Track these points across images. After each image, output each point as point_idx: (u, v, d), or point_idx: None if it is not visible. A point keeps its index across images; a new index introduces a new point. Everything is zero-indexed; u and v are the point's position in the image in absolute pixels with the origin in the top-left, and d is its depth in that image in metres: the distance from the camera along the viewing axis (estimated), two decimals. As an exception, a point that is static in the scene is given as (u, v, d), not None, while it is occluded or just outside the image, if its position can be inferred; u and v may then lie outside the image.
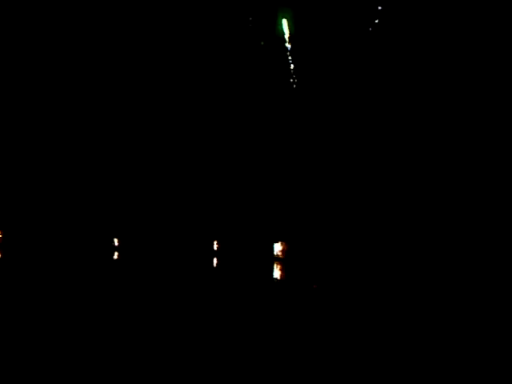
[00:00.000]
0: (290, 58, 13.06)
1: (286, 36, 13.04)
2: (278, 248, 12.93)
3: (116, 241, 14.32)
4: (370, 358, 4.12)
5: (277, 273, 9.97)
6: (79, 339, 4.41)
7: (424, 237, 11.98)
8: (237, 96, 13.73)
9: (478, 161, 12.01)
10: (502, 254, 11.42)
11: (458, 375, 3.83)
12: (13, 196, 14.84)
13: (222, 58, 13.53)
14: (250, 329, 4.98)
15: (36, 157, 14.68)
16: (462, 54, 11.99)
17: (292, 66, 13.15)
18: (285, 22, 12.81)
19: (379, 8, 11.80)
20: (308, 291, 7.53)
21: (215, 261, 12.22)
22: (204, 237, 13.57)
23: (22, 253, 13.85)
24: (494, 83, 11.89)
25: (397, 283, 8.81)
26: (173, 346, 4.33)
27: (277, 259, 12.80)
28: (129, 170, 14.36)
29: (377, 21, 12.00)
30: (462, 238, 11.83)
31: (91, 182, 14.56)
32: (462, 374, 3.86)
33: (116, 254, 13.39)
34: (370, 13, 12.23)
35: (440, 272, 10.95)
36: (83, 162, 14.56)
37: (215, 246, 13.40)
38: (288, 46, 13.09)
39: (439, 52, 12.08)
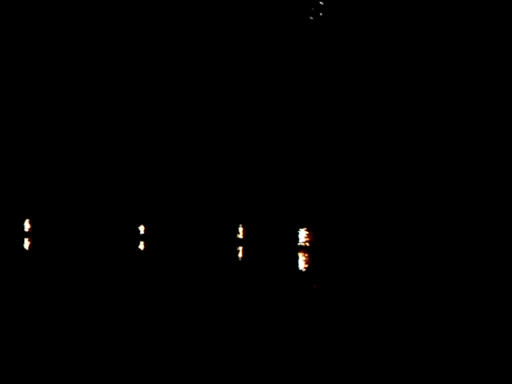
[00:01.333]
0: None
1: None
2: (303, 235, 12.78)
3: (142, 228, 14.33)
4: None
5: (302, 263, 9.86)
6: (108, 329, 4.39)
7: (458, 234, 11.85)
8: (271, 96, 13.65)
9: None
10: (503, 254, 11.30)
11: (458, 375, 3.76)
12: (41, 185, 14.91)
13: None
14: (272, 324, 4.92)
15: (67, 150, 14.71)
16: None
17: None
18: None
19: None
20: (334, 284, 7.44)
21: (241, 249, 12.17)
22: (229, 223, 13.52)
23: (50, 242, 13.91)
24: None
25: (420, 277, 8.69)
26: (201, 335, 4.30)
27: (302, 248, 12.63)
28: (158, 158, 14.34)
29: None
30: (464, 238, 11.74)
31: (119, 167, 14.57)
32: (463, 374, 3.79)
33: (142, 243, 13.41)
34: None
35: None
36: (114, 151, 14.57)
37: (240, 234, 13.33)
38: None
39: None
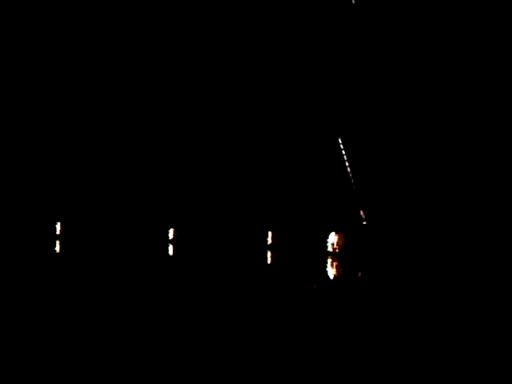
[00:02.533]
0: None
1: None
2: (332, 240, 12.68)
3: (171, 233, 14.40)
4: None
5: (331, 270, 9.79)
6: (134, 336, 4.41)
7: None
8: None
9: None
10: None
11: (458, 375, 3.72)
12: (69, 191, 15.03)
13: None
14: (299, 337, 4.90)
15: (95, 153, 14.81)
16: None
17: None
18: None
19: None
20: (368, 294, 7.39)
21: (269, 255, 12.16)
22: (257, 228, 13.52)
23: (77, 246, 14.03)
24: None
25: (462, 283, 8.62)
26: (230, 341, 4.30)
27: (331, 254, 12.51)
28: (186, 162, 14.39)
29: None
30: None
31: (148, 172, 14.64)
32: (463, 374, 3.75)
33: (171, 247, 13.46)
34: None
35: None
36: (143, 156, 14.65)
37: (269, 239, 13.31)
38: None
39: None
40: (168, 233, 14.48)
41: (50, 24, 14.04)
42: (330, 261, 11.35)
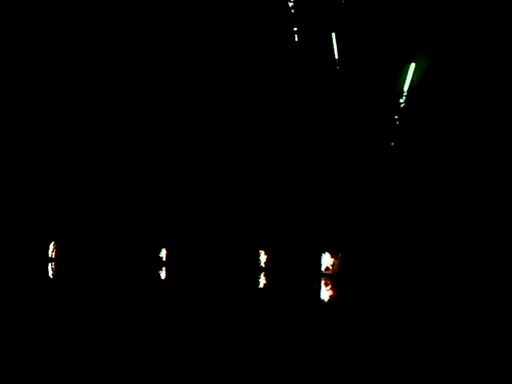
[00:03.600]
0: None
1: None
2: (327, 261, 12.53)
3: (164, 254, 14.29)
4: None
5: (325, 292, 9.66)
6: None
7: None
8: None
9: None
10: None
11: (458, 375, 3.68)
12: (62, 211, 14.92)
13: None
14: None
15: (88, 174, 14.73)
16: None
17: None
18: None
19: None
20: (365, 319, 7.32)
21: (262, 276, 12.04)
22: (251, 249, 13.43)
23: (71, 267, 13.92)
24: None
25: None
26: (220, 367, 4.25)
27: (325, 275, 12.29)
28: (178, 182, 14.33)
29: None
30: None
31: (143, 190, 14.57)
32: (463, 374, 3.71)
33: (164, 270, 13.33)
34: None
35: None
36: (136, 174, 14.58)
37: (262, 260, 13.19)
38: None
39: None
40: (160, 253, 14.38)
41: (50, 24, 14.00)
42: (323, 282, 11.22)
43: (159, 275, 12.83)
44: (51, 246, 15.06)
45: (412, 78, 12.59)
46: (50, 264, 14.42)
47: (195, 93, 14.00)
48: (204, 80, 13.89)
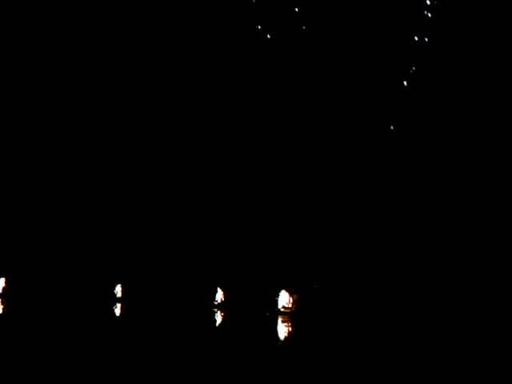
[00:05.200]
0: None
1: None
2: (284, 298, 12.44)
3: (119, 290, 14.05)
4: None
5: (282, 330, 9.56)
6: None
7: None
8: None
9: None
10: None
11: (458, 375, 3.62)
12: (15, 245, 14.64)
13: None
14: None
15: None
16: None
17: None
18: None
19: None
20: (320, 356, 7.21)
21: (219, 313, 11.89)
22: (208, 286, 13.29)
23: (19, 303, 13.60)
24: None
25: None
26: None
27: (283, 313, 12.19)
28: (137, 219, 14.17)
29: None
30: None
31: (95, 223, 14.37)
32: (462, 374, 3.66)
33: (119, 306, 13.10)
34: None
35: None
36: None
37: (219, 297, 13.04)
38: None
39: None
40: (115, 289, 14.13)
41: (51, 24, 13.83)
42: (280, 320, 11.12)
43: (113, 311, 12.60)
44: (2, 282, 14.74)
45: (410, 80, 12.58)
46: None
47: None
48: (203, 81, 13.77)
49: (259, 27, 13.39)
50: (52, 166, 14.46)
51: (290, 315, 11.69)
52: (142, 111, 14.19)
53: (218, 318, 11.75)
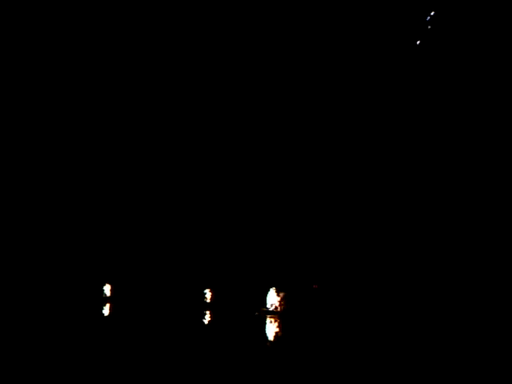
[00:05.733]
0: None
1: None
2: (273, 298, 12.45)
3: (108, 289, 14.04)
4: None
5: (271, 330, 9.58)
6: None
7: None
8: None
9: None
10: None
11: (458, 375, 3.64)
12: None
13: None
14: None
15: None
16: None
17: None
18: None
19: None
20: (310, 357, 7.23)
21: (208, 313, 11.90)
22: (196, 286, 13.30)
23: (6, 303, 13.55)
24: None
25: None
26: None
27: (271, 312, 12.23)
28: (125, 218, 14.14)
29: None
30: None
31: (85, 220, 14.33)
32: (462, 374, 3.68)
33: (108, 305, 13.08)
34: None
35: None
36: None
37: (207, 297, 13.07)
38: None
39: None
40: (104, 289, 14.12)
41: (51, 25, 13.78)
42: (269, 320, 11.13)
43: (102, 311, 12.58)
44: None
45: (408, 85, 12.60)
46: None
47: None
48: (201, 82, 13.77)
49: (259, 27, 13.38)
50: (38, 165, 14.42)
51: (279, 315, 11.71)
52: (140, 111, 14.18)
53: (207, 317, 11.75)
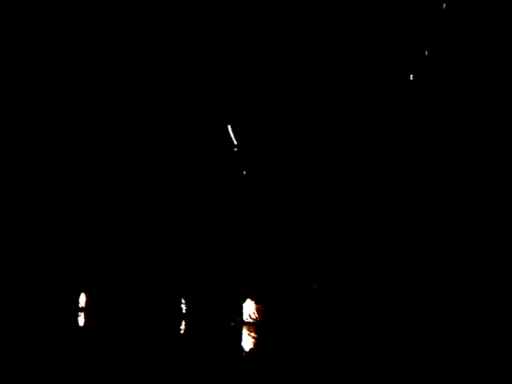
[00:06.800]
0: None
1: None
2: (249, 308, 12.39)
3: (84, 299, 13.90)
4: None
5: (248, 341, 9.52)
6: None
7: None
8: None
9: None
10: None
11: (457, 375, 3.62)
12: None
13: None
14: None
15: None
16: None
17: None
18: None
19: None
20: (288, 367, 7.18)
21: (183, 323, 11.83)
22: (172, 296, 13.20)
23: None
24: None
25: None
26: None
27: (248, 323, 12.15)
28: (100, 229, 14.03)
29: None
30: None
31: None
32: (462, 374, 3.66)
33: (83, 316, 12.95)
34: None
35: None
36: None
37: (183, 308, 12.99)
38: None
39: None
40: (79, 298, 13.99)
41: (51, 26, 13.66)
42: (245, 331, 11.06)
43: (77, 321, 12.46)
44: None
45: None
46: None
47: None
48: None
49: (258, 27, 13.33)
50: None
51: (255, 325, 11.62)
52: (137, 112, 14.07)
53: (182, 327, 11.68)
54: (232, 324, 11.81)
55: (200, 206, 13.54)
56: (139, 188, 13.91)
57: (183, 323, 12.11)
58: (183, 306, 12.91)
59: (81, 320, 12.48)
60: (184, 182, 13.65)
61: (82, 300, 13.79)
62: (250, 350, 8.74)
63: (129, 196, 13.96)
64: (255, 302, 12.39)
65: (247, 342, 9.64)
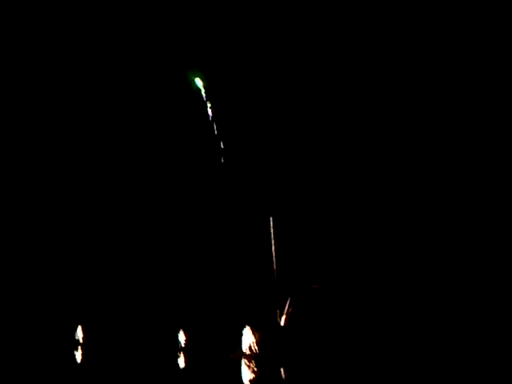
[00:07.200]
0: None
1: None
2: (249, 338, 12.19)
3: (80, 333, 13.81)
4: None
5: (247, 375, 9.41)
6: None
7: None
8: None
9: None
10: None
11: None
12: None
13: None
14: None
15: None
16: None
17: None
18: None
19: None
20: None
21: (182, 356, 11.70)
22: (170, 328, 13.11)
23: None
24: None
25: None
26: None
27: (247, 355, 11.88)
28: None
29: None
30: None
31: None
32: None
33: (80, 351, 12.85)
34: None
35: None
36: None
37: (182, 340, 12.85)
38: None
39: None
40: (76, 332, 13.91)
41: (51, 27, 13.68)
42: (244, 362, 10.90)
43: (75, 356, 12.40)
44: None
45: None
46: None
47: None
48: None
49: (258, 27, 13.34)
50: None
51: (254, 357, 11.40)
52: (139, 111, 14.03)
53: (181, 361, 11.60)
54: (231, 357, 11.65)
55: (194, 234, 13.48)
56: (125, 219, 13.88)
57: (182, 356, 12.01)
58: (182, 339, 12.80)
59: (78, 355, 12.44)
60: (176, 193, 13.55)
61: (80, 334, 13.72)
62: (250, 382, 8.67)
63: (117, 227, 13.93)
64: (254, 331, 12.17)
65: (246, 374, 9.55)
